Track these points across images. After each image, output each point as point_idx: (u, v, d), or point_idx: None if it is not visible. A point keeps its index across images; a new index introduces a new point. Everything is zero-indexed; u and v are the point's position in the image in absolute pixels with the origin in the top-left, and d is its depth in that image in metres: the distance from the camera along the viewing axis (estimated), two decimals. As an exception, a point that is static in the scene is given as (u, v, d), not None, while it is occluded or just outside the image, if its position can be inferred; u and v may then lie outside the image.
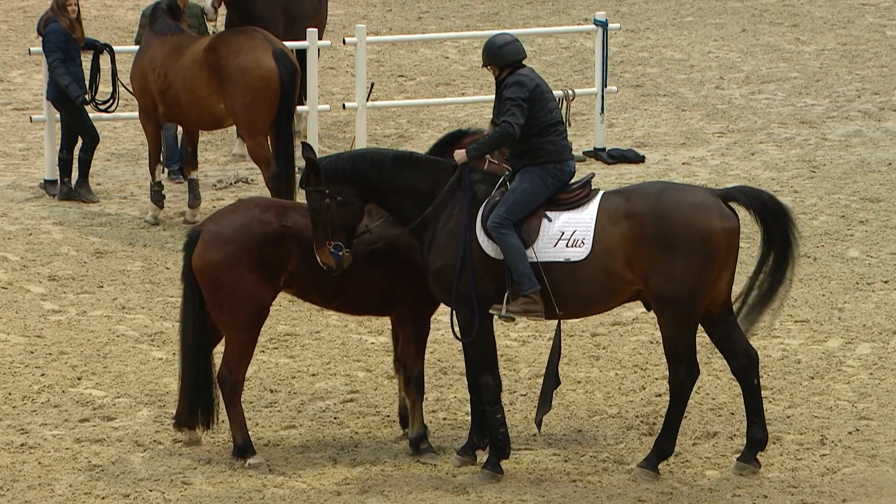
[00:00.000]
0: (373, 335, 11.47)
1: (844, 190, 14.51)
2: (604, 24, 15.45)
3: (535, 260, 9.25)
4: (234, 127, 14.19)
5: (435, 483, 9.52)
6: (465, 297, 9.30)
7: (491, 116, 9.71)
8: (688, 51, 18.72)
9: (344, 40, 15.39)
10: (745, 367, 9.52)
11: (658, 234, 9.25)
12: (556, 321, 9.41)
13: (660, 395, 10.67)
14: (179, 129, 14.12)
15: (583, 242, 9.27)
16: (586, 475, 9.66)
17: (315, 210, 9.35)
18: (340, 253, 9.33)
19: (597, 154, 15.43)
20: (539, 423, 9.48)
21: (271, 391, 10.70)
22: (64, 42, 13.57)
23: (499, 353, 11.26)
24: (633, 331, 11.73)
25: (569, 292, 9.33)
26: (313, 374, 10.90)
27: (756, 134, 16.10)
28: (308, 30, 14.72)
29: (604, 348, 11.44)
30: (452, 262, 9.30)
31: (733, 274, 9.44)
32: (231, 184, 14.35)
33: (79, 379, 10.71)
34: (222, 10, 14.93)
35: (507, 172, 9.50)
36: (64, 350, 11.21)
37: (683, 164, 15.31)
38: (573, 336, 11.59)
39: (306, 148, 9.40)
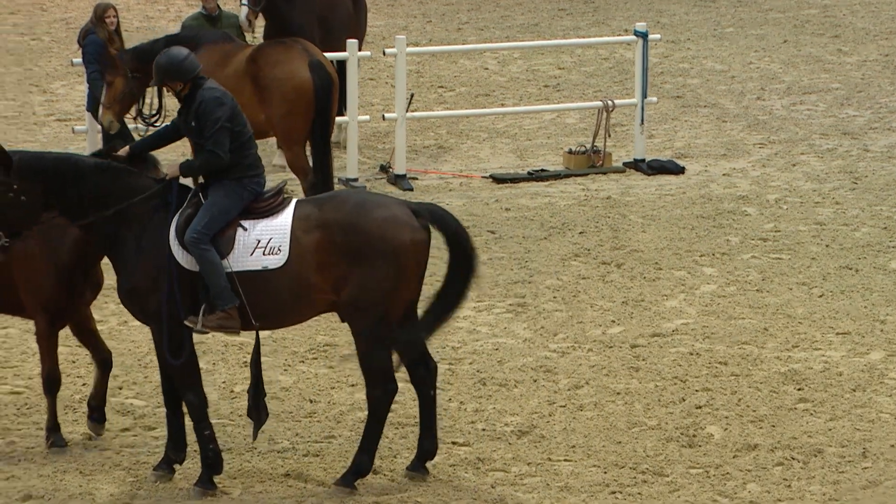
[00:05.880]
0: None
1: (886, 201, 14.41)
2: (644, 35, 15.42)
3: (231, 270, 9.18)
4: (275, 137, 14.24)
5: (474, 493, 9.50)
6: (172, 314, 9.19)
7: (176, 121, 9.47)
8: (728, 62, 18.65)
9: (384, 51, 15.42)
10: (424, 376, 9.49)
11: (348, 244, 9.20)
12: (256, 333, 9.35)
13: (700, 407, 10.62)
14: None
15: (279, 249, 9.22)
16: (625, 487, 9.62)
17: None
18: (1, 242, 9.22)
19: (636, 165, 15.39)
20: (256, 434, 9.41)
21: (311, 401, 10.72)
22: (102, 53, 13.64)
23: (538, 364, 11.29)
24: (672, 342, 11.68)
25: (266, 302, 9.25)
26: (352, 385, 10.91)
27: (797, 145, 16.02)
28: (348, 41, 14.76)
29: (643, 360, 11.40)
30: (152, 278, 9.19)
31: (420, 286, 9.38)
32: (271, 194, 14.40)
33: (120, 388, 10.75)
34: (261, 21, 15.00)
35: (198, 184, 9.43)
36: (105, 359, 11.26)
37: (724, 175, 15.25)
38: (612, 347, 11.56)
39: None
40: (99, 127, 14.04)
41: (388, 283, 9.16)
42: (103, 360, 9.99)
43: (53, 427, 9.83)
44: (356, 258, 9.17)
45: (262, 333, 11.50)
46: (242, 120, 9.39)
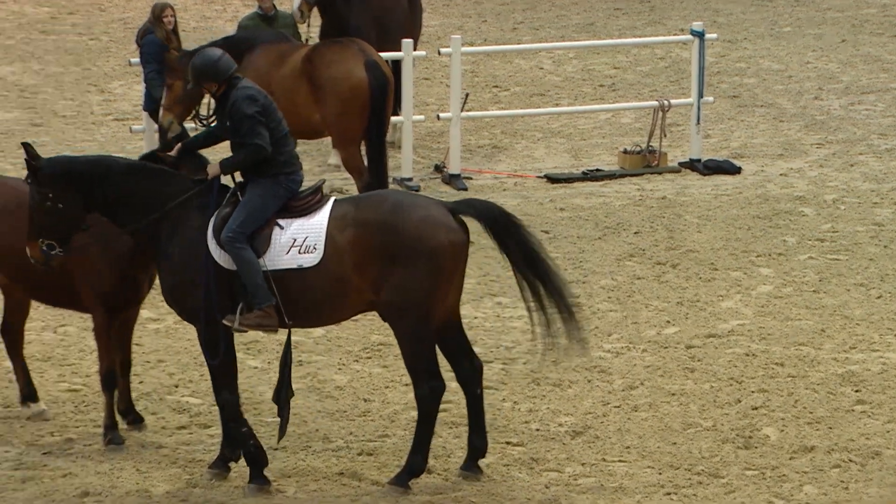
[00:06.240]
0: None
1: (946, 202, 14.28)
2: (701, 35, 15.34)
3: (267, 269, 9.18)
4: (330, 137, 14.28)
5: (528, 493, 9.48)
6: (209, 314, 9.21)
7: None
8: (786, 61, 18.53)
9: (439, 51, 15.43)
10: (470, 374, 9.45)
11: (385, 244, 9.17)
12: (287, 333, 9.32)
13: (756, 409, 10.55)
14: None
15: (315, 248, 9.20)
16: (681, 488, 9.57)
17: (34, 207, 9.36)
18: (53, 252, 9.36)
19: (692, 165, 15.31)
20: (282, 436, 9.39)
21: (365, 400, 10.74)
22: (160, 53, 13.72)
23: (592, 364, 11.25)
24: (728, 343, 11.61)
25: (301, 300, 9.24)
26: (406, 384, 10.91)
27: (856, 145, 15.88)
28: (403, 41, 14.78)
29: (699, 360, 11.34)
30: (192, 278, 9.22)
31: (461, 286, 9.34)
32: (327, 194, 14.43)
33: (176, 387, 10.82)
34: (316, 20, 15.04)
35: (237, 182, 9.42)
36: (162, 358, 11.33)
37: (781, 175, 15.14)
38: (667, 348, 11.51)
39: (26, 148, 9.36)
40: (156, 126, 14.13)
41: (426, 283, 9.14)
42: (125, 361, 10.04)
43: (111, 424, 9.90)
44: (393, 259, 9.16)
45: (317, 332, 11.59)
46: (277, 117, 9.40)
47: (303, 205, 9.34)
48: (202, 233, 9.27)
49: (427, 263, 9.14)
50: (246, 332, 9.33)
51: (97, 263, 9.60)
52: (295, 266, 9.20)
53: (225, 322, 9.24)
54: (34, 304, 10.51)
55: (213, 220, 9.27)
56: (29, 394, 10.33)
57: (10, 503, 9.24)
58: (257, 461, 9.40)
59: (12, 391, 10.53)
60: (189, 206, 9.33)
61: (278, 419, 9.43)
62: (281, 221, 9.28)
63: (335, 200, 9.38)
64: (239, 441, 9.40)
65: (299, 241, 9.22)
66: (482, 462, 9.67)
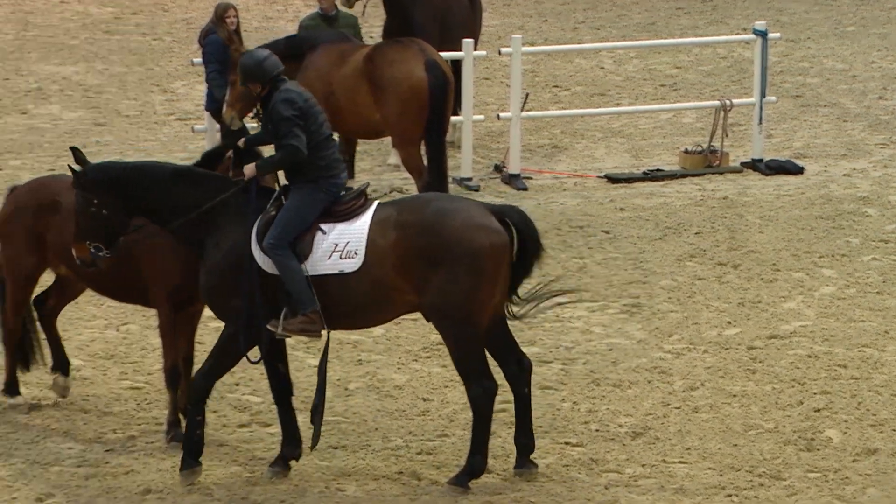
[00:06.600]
0: (524, 345, 11.45)
1: None
2: (763, 34, 15.24)
3: (309, 274, 9.18)
4: (390, 137, 14.31)
5: (587, 494, 9.45)
6: (251, 316, 9.21)
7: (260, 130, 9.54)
8: (850, 61, 18.36)
9: (499, 51, 15.41)
10: (517, 374, 9.41)
11: (427, 247, 9.15)
12: (326, 338, 9.29)
13: (818, 411, 10.46)
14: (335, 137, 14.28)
15: (356, 253, 9.19)
16: (742, 490, 9.51)
17: (80, 211, 9.44)
18: (101, 254, 9.44)
19: (754, 165, 15.21)
20: (316, 441, 9.38)
21: (424, 400, 10.74)
22: (222, 53, 13.78)
23: (652, 365, 11.19)
24: (790, 344, 11.52)
25: (342, 305, 9.22)
26: (466, 384, 10.92)
27: (920, 145, 15.73)
28: (463, 40, 14.78)
29: (760, 362, 11.26)
30: (230, 280, 9.23)
31: (506, 287, 9.30)
32: (385, 194, 14.46)
33: (237, 385, 10.87)
34: (376, 19, 15.07)
35: (281, 186, 9.41)
36: (222, 356, 11.38)
37: (844, 175, 15.01)
38: (729, 349, 11.44)
39: (75, 152, 9.43)
40: (218, 126, 14.21)
41: (468, 285, 9.13)
42: (188, 358, 10.09)
43: (174, 422, 9.97)
44: (435, 262, 9.16)
45: (377, 332, 11.60)
46: (318, 120, 9.40)
47: (346, 209, 9.35)
48: (242, 235, 9.30)
49: (468, 265, 9.13)
50: (289, 337, 9.36)
51: (165, 260, 9.67)
52: (336, 271, 9.22)
53: (269, 327, 9.28)
54: (97, 302, 10.60)
55: (256, 224, 9.31)
56: (59, 366, 10.44)
57: (74, 500, 9.32)
58: (194, 451, 9.45)
59: (75, 389, 10.62)
60: (227, 206, 9.36)
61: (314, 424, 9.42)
62: (323, 226, 9.30)
63: (378, 204, 9.39)
64: (189, 426, 9.42)
65: (340, 245, 9.23)
66: (538, 461, 9.65)
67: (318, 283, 9.23)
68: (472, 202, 9.50)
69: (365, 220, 9.28)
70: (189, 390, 9.55)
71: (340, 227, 9.29)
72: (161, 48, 18.85)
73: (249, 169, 9.41)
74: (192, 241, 9.44)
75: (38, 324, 10.46)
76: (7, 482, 9.48)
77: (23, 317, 10.32)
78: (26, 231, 10.01)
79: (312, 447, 9.51)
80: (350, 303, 9.25)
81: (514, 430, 9.79)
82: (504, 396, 10.69)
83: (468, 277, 9.13)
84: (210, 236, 9.37)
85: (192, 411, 9.45)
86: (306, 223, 9.29)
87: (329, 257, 9.23)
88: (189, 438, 9.46)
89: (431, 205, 9.31)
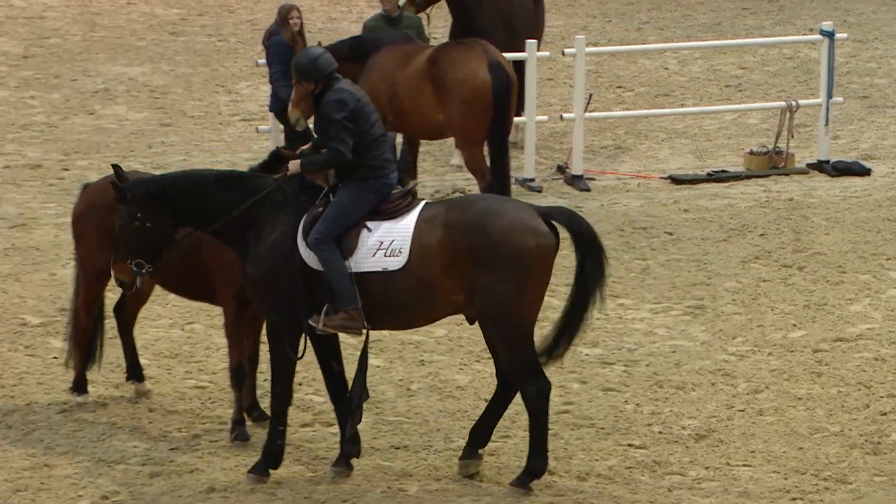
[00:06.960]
0: (587, 346, 11.43)
1: None
2: (831, 34, 15.11)
3: (353, 271, 9.14)
4: (453, 137, 14.33)
5: (651, 496, 9.40)
6: (293, 311, 9.17)
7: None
8: (917, 61, 18.17)
9: (563, 51, 15.38)
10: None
11: (474, 247, 9.08)
12: (365, 337, 9.25)
13: (885, 414, 10.36)
14: (399, 138, 14.31)
15: (400, 251, 9.13)
16: (807, 493, 9.43)
17: (123, 227, 9.44)
18: (143, 270, 9.44)
19: (821, 166, 15.08)
20: (352, 441, 9.35)
21: (486, 400, 10.70)
22: (286, 54, 13.83)
23: (716, 367, 11.12)
24: (856, 347, 11.41)
25: (384, 303, 9.16)
26: (528, 385, 10.90)
27: None
28: (527, 41, 14.77)
29: (826, 364, 11.16)
30: (274, 275, 9.20)
31: (544, 292, 9.18)
32: (448, 194, 14.47)
33: (300, 384, 10.91)
34: (441, 20, 15.09)
35: (330, 183, 9.36)
36: (285, 355, 11.43)
37: (912, 176, 14.86)
38: (793, 352, 11.35)
39: (116, 169, 9.47)
40: (282, 127, 14.28)
41: (514, 287, 9.08)
42: (252, 357, 10.14)
43: (238, 420, 10.02)
44: (481, 262, 9.12)
45: (439, 332, 11.61)
46: (370, 120, 9.39)
47: (393, 207, 9.34)
48: (287, 230, 9.31)
49: (515, 267, 9.08)
50: (330, 333, 9.35)
51: (233, 258, 9.72)
52: (380, 269, 9.21)
53: (310, 322, 9.28)
54: (162, 302, 10.67)
55: (303, 219, 9.32)
56: (134, 373, 10.52)
57: (138, 498, 9.40)
58: (272, 460, 9.47)
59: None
60: (270, 202, 9.37)
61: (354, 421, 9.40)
62: (369, 224, 9.29)
63: (425, 203, 9.37)
64: (271, 435, 9.45)
65: (385, 243, 9.23)
66: (601, 463, 9.62)
67: (361, 281, 9.22)
68: (519, 203, 9.47)
69: (411, 218, 9.27)
70: (272, 404, 9.53)
71: (386, 225, 9.28)
72: (226, 49, 18.97)
73: (294, 165, 9.43)
74: (234, 239, 9.47)
75: (115, 329, 10.53)
76: (73, 480, 9.57)
77: (94, 316, 10.40)
78: (99, 228, 10.07)
79: (342, 443, 9.44)
80: (393, 301, 9.24)
81: (576, 431, 9.75)
82: (566, 398, 10.67)
83: (516, 279, 9.09)
84: (252, 231, 9.38)
85: (274, 421, 9.49)
86: (353, 221, 9.29)
87: (373, 255, 9.23)
88: (269, 448, 9.48)
89: (479, 205, 9.29)
